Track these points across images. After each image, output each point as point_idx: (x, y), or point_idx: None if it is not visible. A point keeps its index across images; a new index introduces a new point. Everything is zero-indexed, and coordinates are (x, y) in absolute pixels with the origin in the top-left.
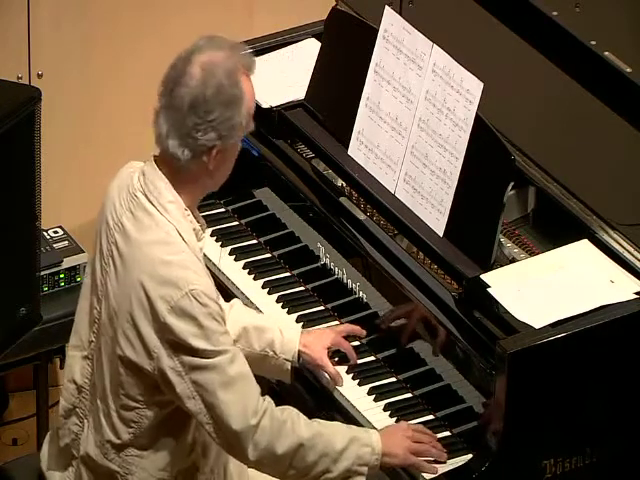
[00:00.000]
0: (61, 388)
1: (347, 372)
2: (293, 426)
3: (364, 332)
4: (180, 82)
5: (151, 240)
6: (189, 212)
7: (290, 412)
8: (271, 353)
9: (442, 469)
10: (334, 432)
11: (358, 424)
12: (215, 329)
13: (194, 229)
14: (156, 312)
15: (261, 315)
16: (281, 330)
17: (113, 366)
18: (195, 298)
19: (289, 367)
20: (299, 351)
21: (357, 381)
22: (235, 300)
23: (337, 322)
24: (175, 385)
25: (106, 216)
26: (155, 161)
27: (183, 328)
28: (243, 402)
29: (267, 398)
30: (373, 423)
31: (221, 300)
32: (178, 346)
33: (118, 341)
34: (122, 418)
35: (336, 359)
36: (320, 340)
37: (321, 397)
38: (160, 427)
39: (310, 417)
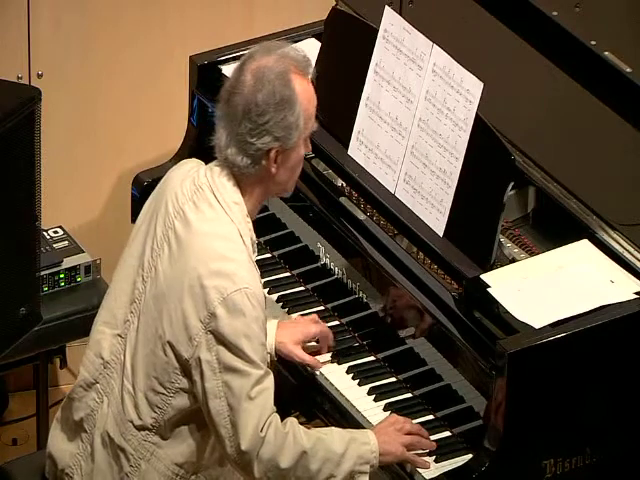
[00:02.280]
0: (84, 359)
1: (347, 372)
2: (295, 437)
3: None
4: (234, 91)
5: (214, 232)
6: (249, 220)
7: (292, 423)
8: None
9: (442, 469)
10: (332, 437)
11: (358, 424)
12: (258, 335)
13: (251, 238)
14: (207, 300)
15: None
16: None
17: (150, 347)
18: (247, 297)
19: (268, 359)
20: (274, 346)
21: (357, 381)
22: None
23: (337, 322)
24: (206, 379)
25: (166, 202)
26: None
27: (230, 322)
28: (258, 417)
29: (274, 413)
30: (373, 423)
31: None
32: (220, 340)
33: (162, 323)
34: (148, 401)
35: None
36: (293, 336)
37: (321, 397)
38: (183, 422)
39: (309, 419)
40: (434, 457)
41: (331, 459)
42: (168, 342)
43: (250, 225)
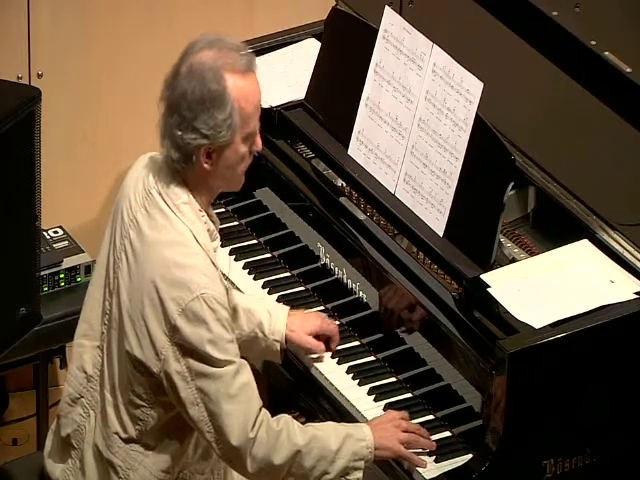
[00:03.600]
0: (67, 375)
1: (347, 372)
2: (289, 435)
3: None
4: (172, 83)
5: (165, 240)
6: (203, 212)
7: (285, 420)
8: (260, 334)
9: (442, 469)
10: (328, 433)
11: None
12: (223, 336)
13: (208, 229)
14: (167, 313)
15: (249, 296)
16: (269, 311)
17: (122, 361)
18: (206, 302)
19: (278, 348)
20: (285, 334)
21: (357, 381)
22: None
23: (337, 322)
24: (180, 390)
25: (121, 209)
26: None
27: (192, 332)
28: (244, 415)
29: (263, 410)
30: None
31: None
32: (186, 350)
33: (127, 337)
34: (130, 413)
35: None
36: (304, 327)
37: (321, 397)
38: (165, 429)
39: (309, 419)
40: (434, 457)
41: (326, 456)
42: (136, 357)
43: (205, 218)
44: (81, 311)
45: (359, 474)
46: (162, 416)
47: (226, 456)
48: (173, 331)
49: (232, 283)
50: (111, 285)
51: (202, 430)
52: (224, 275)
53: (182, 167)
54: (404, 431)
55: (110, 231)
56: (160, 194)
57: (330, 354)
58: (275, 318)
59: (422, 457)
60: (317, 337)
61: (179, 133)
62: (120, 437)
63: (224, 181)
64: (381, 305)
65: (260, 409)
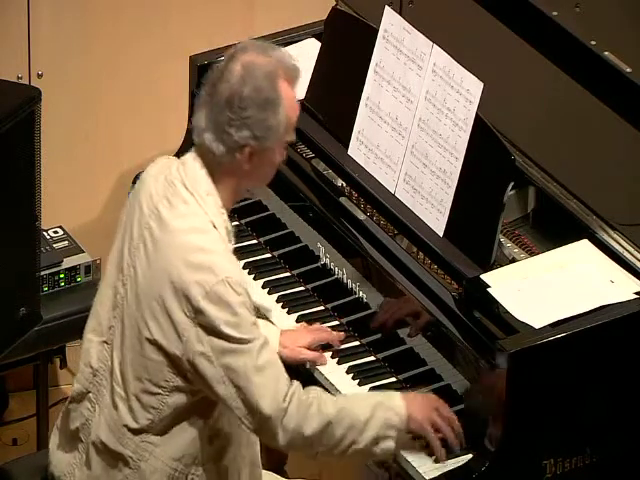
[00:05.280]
0: (77, 371)
1: (347, 372)
2: (319, 406)
3: (340, 343)
4: (222, 78)
5: (188, 227)
6: (224, 211)
7: (316, 392)
8: None
9: (442, 469)
10: (359, 403)
11: None
12: (247, 318)
13: (226, 228)
14: (190, 296)
15: None
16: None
17: (137, 350)
18: (230, 286)
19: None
20: (279, 351)
21: (357, 381)
22: None
23: (337, 322)
24: (205, 370)
25: (140, 202)
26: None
27: (217, 314)
28: (275, 386)
29: (295, 382)
30: None
31: None
32: (210, 331)
33: (146, 324)
34: (142, 403)
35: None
36: (297, 342)
37: None
38: (179, 417)
39: None
40: (434, 457)
41: (356, 426)
42: (155, 342)
43: (225, 216)
44: (91, 308)
45: (390, 442)
46: (178, 403)
47: (257, 427)
48: (196, 313)
49: None
50: (125, 278)
51: (231, 407)
52: None
53: (222, 161)
54: (438, 415)
55: (126, 227)
56: (184, 185)
57: (330, 354)
58: (269, 338)
59: (443, 449)
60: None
61: (230, 130)
62: (130, 429)
63: (251, 184)
64: (381, 305)
65: (291, 381)
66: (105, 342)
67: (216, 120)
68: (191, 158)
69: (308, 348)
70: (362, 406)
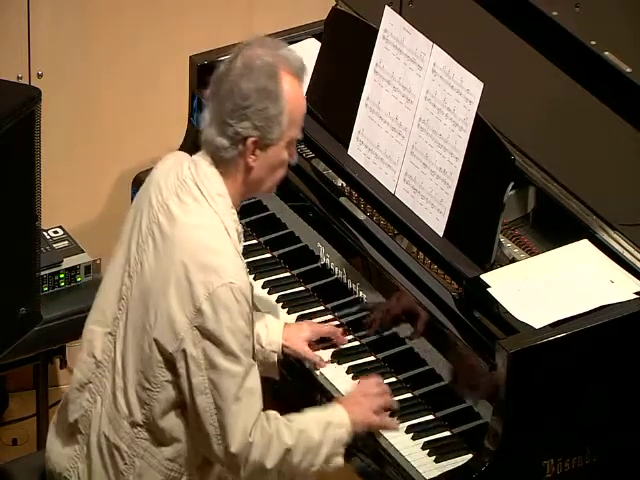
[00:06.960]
0: (78, 361)
1: (347, 372)
2: (278, 435)
3: (345, 340)
4: (225, 73)
5: (197, 223)
6: (234, 211)
7: (275, 420)
8: (258, 346)
9: (442, 469)
10: (311, 425)
11: None
12: (242, 329)
13: (236, 229)
14: (194, 296)
15: None
16: (266, 324)
17: (137, 341)
18: (232, 292)
19: (276, 359)
20: (282, 344)
21: (357, 381)
22: None
23: (337, 322)
24: (192, 374)
25: (149, 197)
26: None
27: (214, 317)
28: (246, 418)
29: (261, 412)
30: None
31: None
32: (205, 334)
33: (148, 317)
34: (138, 396)
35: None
36: (299, 333)
37: (321, 397)
38: (171, 418)
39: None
40: (434, 457)
41: (311, 449)
42: (154, 338)
43: (235, 216)
44: (94, 301)
45: (340, 459)
46: (166, 403)
47: (221, 455)
48: (196, 314)
49: None
50: (132, 270)
51: (205, 421)
52: None
53: (225, 156)
54: (374, 398)
55: (134, 221)
56: (196, 183)
57: (330, 353)
58: (272, 330)
59: (393, 420)
60: (320, 341)
61: (231, 121)
62: (127, 422)
63: (259, 182)
64: (381, 305)
65: (260, 412)
66: (110, 333)
67: (218, 113)
68: (202, 157)
69: (313, 342)
70: (314, 429)
